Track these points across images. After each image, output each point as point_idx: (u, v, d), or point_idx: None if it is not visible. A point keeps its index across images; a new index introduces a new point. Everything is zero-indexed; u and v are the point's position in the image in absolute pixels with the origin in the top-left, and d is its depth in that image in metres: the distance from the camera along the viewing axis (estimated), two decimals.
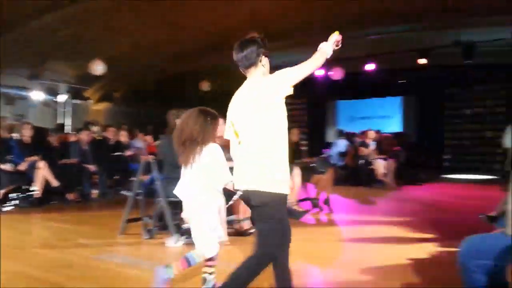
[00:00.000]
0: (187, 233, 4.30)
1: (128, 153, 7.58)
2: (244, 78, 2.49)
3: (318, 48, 2.39)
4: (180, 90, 12.44)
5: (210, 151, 2.54)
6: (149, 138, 8.98)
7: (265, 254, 2.29)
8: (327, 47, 2.39)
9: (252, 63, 2.39)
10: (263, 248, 2.28)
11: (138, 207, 4.62)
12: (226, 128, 2.50)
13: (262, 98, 2.27)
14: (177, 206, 4.39)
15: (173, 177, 4.20)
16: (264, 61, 2.44)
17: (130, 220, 4.54)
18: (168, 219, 4.11)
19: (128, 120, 11.35)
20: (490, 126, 11.90)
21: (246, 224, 4.45)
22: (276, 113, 2.27)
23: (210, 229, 2.56)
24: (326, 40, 2.51)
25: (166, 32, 8.04)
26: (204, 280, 2.64)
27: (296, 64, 2.34)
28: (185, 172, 2.59)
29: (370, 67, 10.48)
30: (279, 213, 2.26)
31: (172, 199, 4.18)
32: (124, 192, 5.06)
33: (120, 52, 9.00)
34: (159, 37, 8.32)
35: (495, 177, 10.15)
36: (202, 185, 2.54)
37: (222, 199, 2.61)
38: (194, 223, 2.59)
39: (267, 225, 2.27)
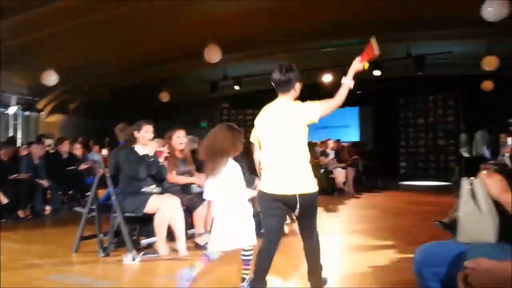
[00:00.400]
0: (145, 249, 4.19)
1: (82, 166, 7.30)
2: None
3: (342, 83, 2.79)
4: (138, 101, 12.22)
5: (233, 168, 2.95)
6: (105, 151, 8.71)
7: (316, 232, 2.89)
8: (349, 81, 2.78)
9: (290, 89, 2.82)
10: (315, 230, 2.88)
11: (94, 223, 4.43)
12: (253, 135, 2.98)
13: (288, 123, 2.74)
14: (134, 221, 4.28)
15: (130, 192, 4.08)
16: (297, 87, 2.86)
17: (84, 238, 4.34)
18: (125, 235, 3.96)
19: (83, 133, 10.97)
20: (442, 135, 12.45)
21: (206, 238, 4.37)
22: (303, 133, 2.77)
23: (224, 232, 2.89)
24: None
25: (123, 42, 7.87)
26: (244, 279, 3.01)
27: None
28: (209, 180, 2.96)
29: (327, 78, 10.70)
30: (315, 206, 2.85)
31: (129, 214, 4.05)
32: (77, 209, 4.85)
33: (74, 62, 8.71)
34: (115, 46, 8.13)
35: (448, 183, 10.58)
36: (221, 193, 2.92)
37: (240, 205, 2.95)
38: (228, 226, 2.92)
39: (313, 214, 2.86)
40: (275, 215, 2.80)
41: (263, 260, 2.76)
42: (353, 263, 3.86)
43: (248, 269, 3.02)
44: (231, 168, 2.93)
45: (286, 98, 2.84)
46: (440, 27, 7.65)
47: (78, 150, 7.77)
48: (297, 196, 2.68)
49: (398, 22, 7.42)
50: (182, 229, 4.00)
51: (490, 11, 5.23)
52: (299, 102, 2.84)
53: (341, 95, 2.75)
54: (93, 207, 4.27)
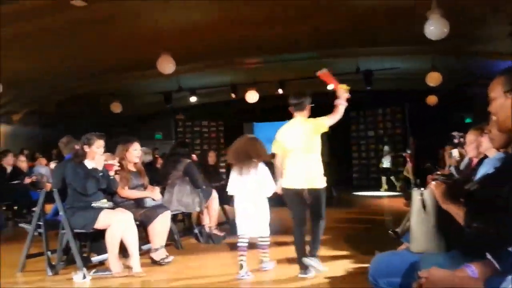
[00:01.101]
0: (96, 266, 4.01)
1: (27, 180, 6.90)
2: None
3: (336, 104, 3.74)
4: (88, 112, 11.81)
5: (264, 169, 3.84)
6: (54, 163, 8.29)
7: (323, 218, 3.75)
8: (342, 102, 3.75)
9: (303, 109, 3.78)
10: (322, 215, 3.73)
11: (41, 240, 4.19)
12: (276, 146, 3.83)
13: (305, 135, 3.67)
14: (84, 237, 4.09)
15: (79, 207, 3.89)
16: (308, 107, 3.80)
17: (31, 256, 4.11)
18: (74, 253, 3.77)
19: (30, 144, 10.42)
20: (391, 146, 12.94)
21: (162, 253, 4.25)
22: (316, 142, 3.72)
23: (266, 222, 3.85)
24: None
25: (73, 51, 7.58)
26: (261, 261, 3.93)
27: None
28: (236, 177, 3.81)
29: (282, 91, 10.87)
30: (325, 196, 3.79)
31: (78, 230, 3.87)
32: (22, 225, 4.57)
33: (19, 71, 8.28)
34: (65, 55, 7.82)
35: (398, 193, 11.00)
36: (251, 196, 3.78)
37: (262, 203, 3.84)
38: (254, 216, 3.79)
39: (323, 203, 3.73)
40: (298, 205, 3.68)
41: (299, 241, 3.68)
42: None
43: (266, 253, 3.93)
44: (262, 171, 3.80)
45: (301, 115, 3.77)
46: (387, 44, 8.01)
47: (23, 163, 7.36)
48: (306, 190, 3.60)
49: (347, 39, 7.70)
50: (135, 245, 3.87)
51: (432, 30, 5.52)
52: (311, 118, 3.76)
53: (341, 110, 3.71)
54: (40, 223, 4.04)
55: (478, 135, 3.13)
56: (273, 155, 3.91)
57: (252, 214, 3.76)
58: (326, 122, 3.69)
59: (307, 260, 3.59)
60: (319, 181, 3.70)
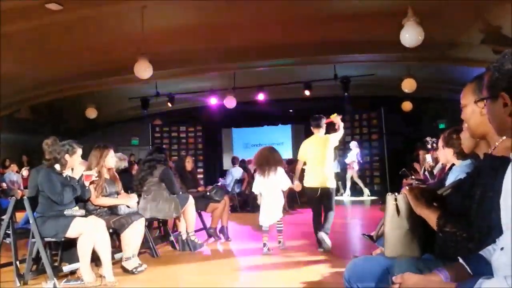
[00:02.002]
0: (68, 275, 3.89)
1: None
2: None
3: (337, 127, 5.19)
4: (62, 117, 11.56)
5: (283, 172, 5.02)
6: (25, 171, 8.07)
7: (333, 209, 5.02)
8: (339, 123, 5.16)
9: (320, 127, 5.13)
10: (332, 208, 4.99)
11: (9, 249, 4.04)
12: (300, 154, 5.21)
13: (323, 147, 5.01)
14: (56, 246, 3.96)
15: (50, 215, 3.76)
16: (324, 126, 5.15)
17: None
18: (45, 262, 3.65)
19: (2, 150, 10.12)
20: (368, 151, 13.10)
21: (134, 262, 4.15)
22: (331, 153, 5.08)
23: (280, 209, 5.04)
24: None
25: (46, 54, 7.41)
26: (279, 242, 5.10)
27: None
28: (260, 178, 4.97)
29: (260, 97, 10.91)
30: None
31: (49, 239, 3.75)
32: None
33: None
34: (38, 60, 7.64)
35: (375, 197, 11.14)
36: (275, 193, 4.95)
37: (279, 195, 5.04)
38: (272, 208, 4.93)
39: (332, 199, 5.03)
40: (315, 200, 4.97)
41: (317, 223, 4.96)
42: (285, 280, 3.88)
43: (282, 235, 5.10)
44: (283, 173, 5.00)
45: (319, 132, 5.12)
46: (364, 51, 8.13)
47: None
48: (320, 188, 4.88)
49: (325, 46, 7.77)
50: (107, 254, 3.77)
51: (407, 37, 5.61)
52: (327, 134, 5.11)
53: (342, 129, 5.15)
54: (9, 231, 3.89)
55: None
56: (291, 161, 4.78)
57: (274, 206, 4.90)
58: (338, 137, 5.08)
59: (321, 234, 4.81)
60: (331, 182, 4.95)
